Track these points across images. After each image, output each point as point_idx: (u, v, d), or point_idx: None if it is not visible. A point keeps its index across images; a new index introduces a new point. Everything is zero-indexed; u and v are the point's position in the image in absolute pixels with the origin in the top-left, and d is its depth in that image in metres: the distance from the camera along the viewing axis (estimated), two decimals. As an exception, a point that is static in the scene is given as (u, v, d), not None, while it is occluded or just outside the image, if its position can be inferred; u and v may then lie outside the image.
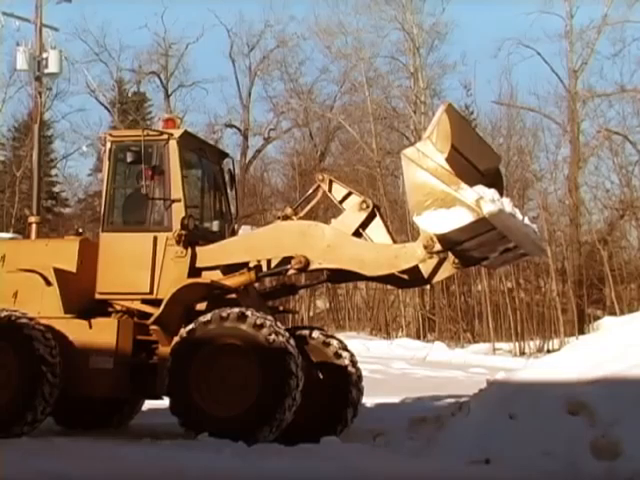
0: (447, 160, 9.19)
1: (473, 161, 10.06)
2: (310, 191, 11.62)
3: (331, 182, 11.39)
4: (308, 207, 11.50)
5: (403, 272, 10.40)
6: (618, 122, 38.84)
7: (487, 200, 9.12)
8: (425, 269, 10.37)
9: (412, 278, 10.61)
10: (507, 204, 9.63)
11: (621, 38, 40.00)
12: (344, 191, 11.33)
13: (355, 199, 11.09)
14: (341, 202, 11.23)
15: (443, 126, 9.29)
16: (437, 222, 9.29)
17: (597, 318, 31.10)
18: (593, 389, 8.18)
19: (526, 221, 10.20)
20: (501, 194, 10.50)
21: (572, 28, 40.98)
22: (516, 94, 40.76)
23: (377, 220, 10.92)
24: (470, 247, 9.83)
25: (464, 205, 9.11)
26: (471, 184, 9.46)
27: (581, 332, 30.30)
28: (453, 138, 9.30)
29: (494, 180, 10.62)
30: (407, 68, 44.74)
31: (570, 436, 7.78)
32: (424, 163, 9.24)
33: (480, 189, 9.29)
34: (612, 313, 29.55)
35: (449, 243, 9.69)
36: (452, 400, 11.64)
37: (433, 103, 44.16)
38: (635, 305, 32.24)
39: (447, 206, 9.16)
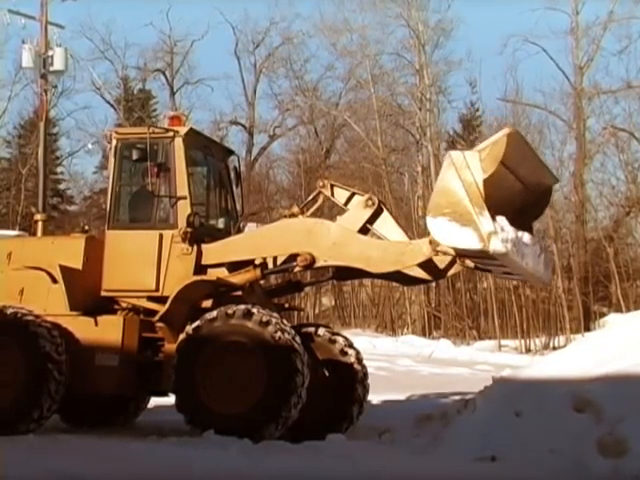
0: (486, 181, 9.06)
1: (521, 176, 9.90)
2: (310, 197, 11.64)
3: (332, 187, 11.43)
4: (314, 207, 11.51)
5: (418, 266, 10.36)
6: (624, 119, 38.79)
7: (499, 238, 9.03)
8: (440, 264, 10.36)
9: (429, 272, 10.55)
10: (526, 240, 9.53)
11: (627, 34, 39.91)
12: (347, 193, 11.36)
13: (359, 198, 11.12)
14: (346, 204, 11.26)
15: (497, 148, 9.12)
16: (446, 232, 9.26)
17: (603, 315, 30.98)
18: (599, 386, 8.17)
19: (539, 257, 10.02)
20: (540, 214, 10.85)
21: (578, 24, 40.92)
22: (522, 91, 40.68)
23: (386, 215, 10.96)
24: (474, 261, 9.89)
25: (477, 231, 9.04)
26: (508, 201, 9.44)
27: (587, 329, 30.29)
28: (503, 160, 9.15)
29: (540, 197, 10.63)
30: (412, 65, 44.68)
31: (576, 434, 7.78)
32: (463, 173, 9.11)
33: (501, 223, 9.19)
34: (618, 310, 29.51)
35: (454, 251, 9.73)
36: (458, 397, 11.64)
37: (438, 100, 44.28)
38: (641, 302, 32.22)
39: (461, 223, 9.11)
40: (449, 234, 9.25)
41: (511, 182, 9.73)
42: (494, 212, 9.18)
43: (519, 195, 10.00)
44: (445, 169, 9.36)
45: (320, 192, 11.46)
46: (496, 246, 9.02)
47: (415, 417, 10.01)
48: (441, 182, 9.45)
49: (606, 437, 7.67)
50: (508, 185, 9.65)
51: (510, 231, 9.26)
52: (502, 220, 9.26)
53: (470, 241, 9.13)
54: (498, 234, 9.05)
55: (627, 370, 8.30)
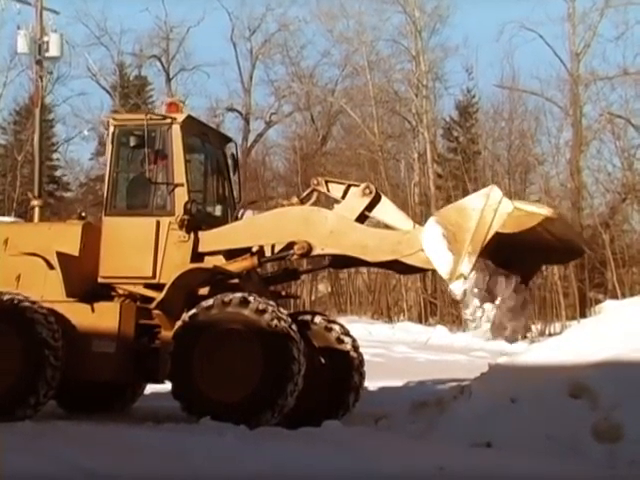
0: (499, 234, 9.10)
1: (553, 232, 9.77)
2: (305, 194, 11.58)
3: (327, 183, 11.40)
4: (309, 202, 11.45)
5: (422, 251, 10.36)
6: (620, 105, 38.76)
7: (462, 283, 9.12)
8: None
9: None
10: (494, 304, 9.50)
11: (624, 20, 39.84)
12: (343, 186, 11.32)
13: (356, 188, 11.11)
14: (343, 197, 11.21)
15: (529, 219, 9.14)
16: (433, 242, 9.38)
17: (599, 302, 30.98)
18: (595, 373, 8.21)
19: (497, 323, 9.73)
20: (558, 264, 10.60)
21: (574, 10, 40.83)
22: (518, 77, 40.70)
23: (385, 201, 10.96)
24: None
25: (454, 264, 9.15)
26: (527, 244, 9.40)
27: (583, 316, 30.31)
28: (527, 229, 9.14)
29: (567, 251, 10.63)
30: (409, 51, 44.54)
31: (572, 420, 7.82)
32: (487, 210, 9.17)
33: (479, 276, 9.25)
34: (614, 297, 29.53)
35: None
36: (454, 384, 11.62)
37: (435, 86, 44.22)
38: (637, 289, 32.25)
39: (450, 247, 9.21)
40: (434, 246, 9.38)
41: (539, 230, 9.54)
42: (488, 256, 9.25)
43: (544, 239, 9.80)
44: (479, 195, 9.49)
45: (314, 190, 11.43)
46: (456, 288, 9.18)
47: (411, 403, 10.03)
48: (466, 202, 9.60)
49: (602, 423, 7.71)
50: (533, 232, 9.45)
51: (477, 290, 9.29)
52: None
53: (442, 266, 9.30)
54: (467, 280, 9.12)
55: (623, 356, 8.34)
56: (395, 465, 7.30)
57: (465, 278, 9.09)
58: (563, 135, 39.88)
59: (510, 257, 9.72)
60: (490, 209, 9.17)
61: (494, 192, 9.32)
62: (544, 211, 9.36)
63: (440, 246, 9.24)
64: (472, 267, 9.11)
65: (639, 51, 39.93)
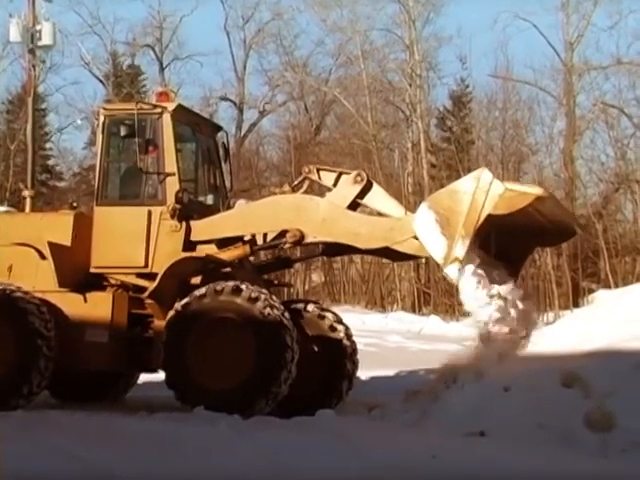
0: (491, 216, 9.09)
1: (544, 213, 9.74)
2: (296, 182, 11.56)
3: (319, 171, 11.38)
4: (301, 191, 11.44)
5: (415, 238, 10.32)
6: (614, 95, 38.81)
7: (458, 267, 9.10)
8: None
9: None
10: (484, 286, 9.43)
11: (618, 10, 39.85)
12: (334, 174, 11.31)
13: (348, 176, 11.09)
14: (335, 185, 11.20)
15: (520, 200, 9.08)
16: (426, 227, 9.35)
17: (592, 291, 31.03)
18: (587, 362, 8.22)
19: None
20: (551, 245, 10.53)
21: (568, 0, 40.78)
22: (512, 67, 40.75)
23: (377, 189, 10.95)
24: None
25: (448, 248, 9.11)
26: (518, 226, 9.38)
27: (576, 305, 30.36)
28: (518, 211, 9.10)
29: (559, 232, 10.61)
30: (402, 41, 44.49)
31: (565, 408, 7.82)
32: (479, 193, 9.13)
33: (474, 260, 9.22)
34: (607, 286, 29.61)
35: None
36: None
37: (428, 76, 44.15)
38: (629, 278, 32.29)
39: (443, 231, 9.18)
40: (427, 231, 9.34)
41: (530, 212, 9.53)
42: (480, 243, 9.26)
43: (536, 221, 9.81)
44: (470, 177, 9.43)
45: (305, 178, 11.41)
46: (450, 271, 9.16)
47: (404, 393, 10.03)
48: (457, 186, 9.53)
49: (594, 412, 7.71)
50: (525, 213, 9.43)
51: (476, 273, 9.27)
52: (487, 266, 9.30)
53: (436, 251, 9.26)
54: (461, 263, 9.11)
55: (615, 346, 8.35)
56: (388, 454, 7.29)
57: (460, 262, 9.06)
58: (557, 125, 40.01)
59: (502, 244, 9.70)
60: (481, 191, 9.14)
61: (484, 174, 9.29)
62: (535, 190, 9.35)
63: (433, 231, 9.21)
64: (465, 249, 9.09)
65: (633, 41, 40.01)
